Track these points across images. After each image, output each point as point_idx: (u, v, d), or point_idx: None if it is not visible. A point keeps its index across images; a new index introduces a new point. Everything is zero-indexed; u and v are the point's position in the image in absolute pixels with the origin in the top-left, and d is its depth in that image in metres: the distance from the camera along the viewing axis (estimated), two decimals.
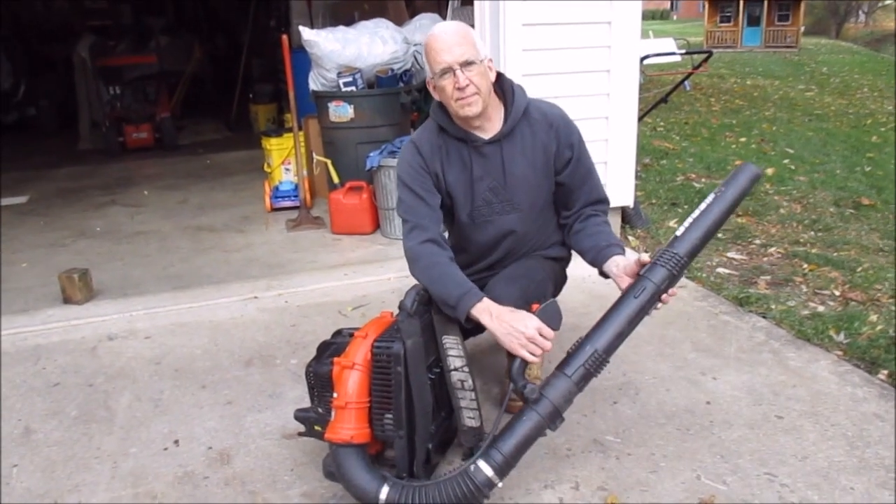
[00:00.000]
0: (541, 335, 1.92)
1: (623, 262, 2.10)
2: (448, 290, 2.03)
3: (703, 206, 1.99)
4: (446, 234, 2.37)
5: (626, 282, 2.05)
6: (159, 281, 3.83)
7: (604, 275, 2.19)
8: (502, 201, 2.27)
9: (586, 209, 2.32)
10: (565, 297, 2.50)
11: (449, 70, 2.08)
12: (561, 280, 2.48)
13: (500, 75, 2.25)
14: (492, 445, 1.85)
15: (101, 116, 8.41)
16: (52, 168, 7.13)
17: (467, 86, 2.08)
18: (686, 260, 1.95)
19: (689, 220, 1.98)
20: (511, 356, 1.96)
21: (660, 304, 1.97)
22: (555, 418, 1.87)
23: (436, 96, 2.21)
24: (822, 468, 2.08)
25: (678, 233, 1.98)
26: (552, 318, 1.96)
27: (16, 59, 9.32)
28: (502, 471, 1.83)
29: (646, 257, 2.01)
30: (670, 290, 1.97)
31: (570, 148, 2.27)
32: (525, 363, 1.92)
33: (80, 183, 6.46)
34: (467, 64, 2.07)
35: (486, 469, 1.81)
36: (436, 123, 2.25)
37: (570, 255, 2.47)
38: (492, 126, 2.23)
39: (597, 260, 2.20)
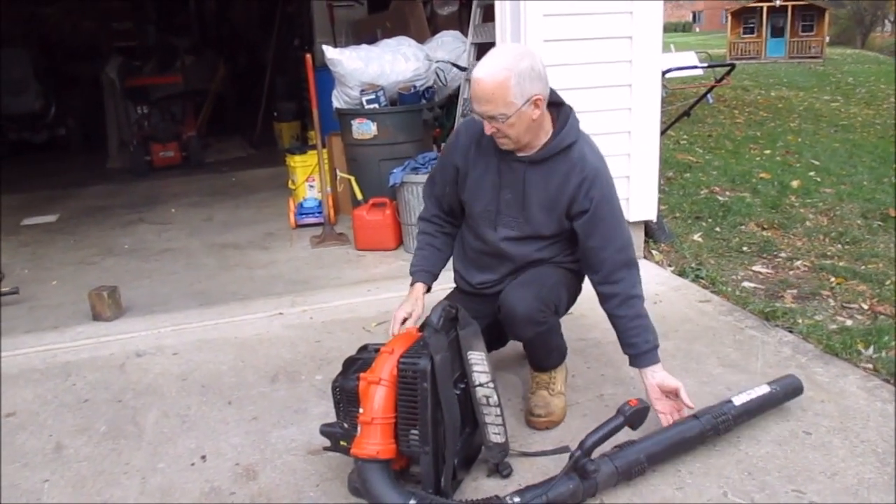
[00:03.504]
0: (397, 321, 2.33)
1: (661, 378, 2.27)
2: (412, 262, 2.56)
3: (756, 392, 2.31)
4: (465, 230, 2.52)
5: (656, 392, 2.25)
6: (186, 298, 3.88)
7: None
8: (514, 215, 2.32)
9: (618, 276, 2.27)
10: (586, 311, 2.50)
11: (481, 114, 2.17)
12: (575, 289, 2.47)
13: (562, 105, 2.28)
14: (526, 491, 1.90)
15: (128, 136, 8.55)
16: (80, 187, 7.23)
17: (494, 132, 2.17)
18: (732, 423, 2.23)
19: (745, 397, 2.28)
20: (596, 430, 2.00)
21: None
22: (591, 494, 1.98)
23: None
24: (851, 485, 2.05)
25: (735, 401, 2.26)
26: (638, 420, 2.04)
27: (44, 79, 9.50)
28: None
29: (686, 399, 2.23)
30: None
31: (590, 201, 2.24)
32: (602, 440, 1.97)
33: (109, 201, 6.56)
34: (493, 118, 2.12)
35: None
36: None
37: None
38: (530, 150, 2.27)
39: (635, 363, 2.31)
